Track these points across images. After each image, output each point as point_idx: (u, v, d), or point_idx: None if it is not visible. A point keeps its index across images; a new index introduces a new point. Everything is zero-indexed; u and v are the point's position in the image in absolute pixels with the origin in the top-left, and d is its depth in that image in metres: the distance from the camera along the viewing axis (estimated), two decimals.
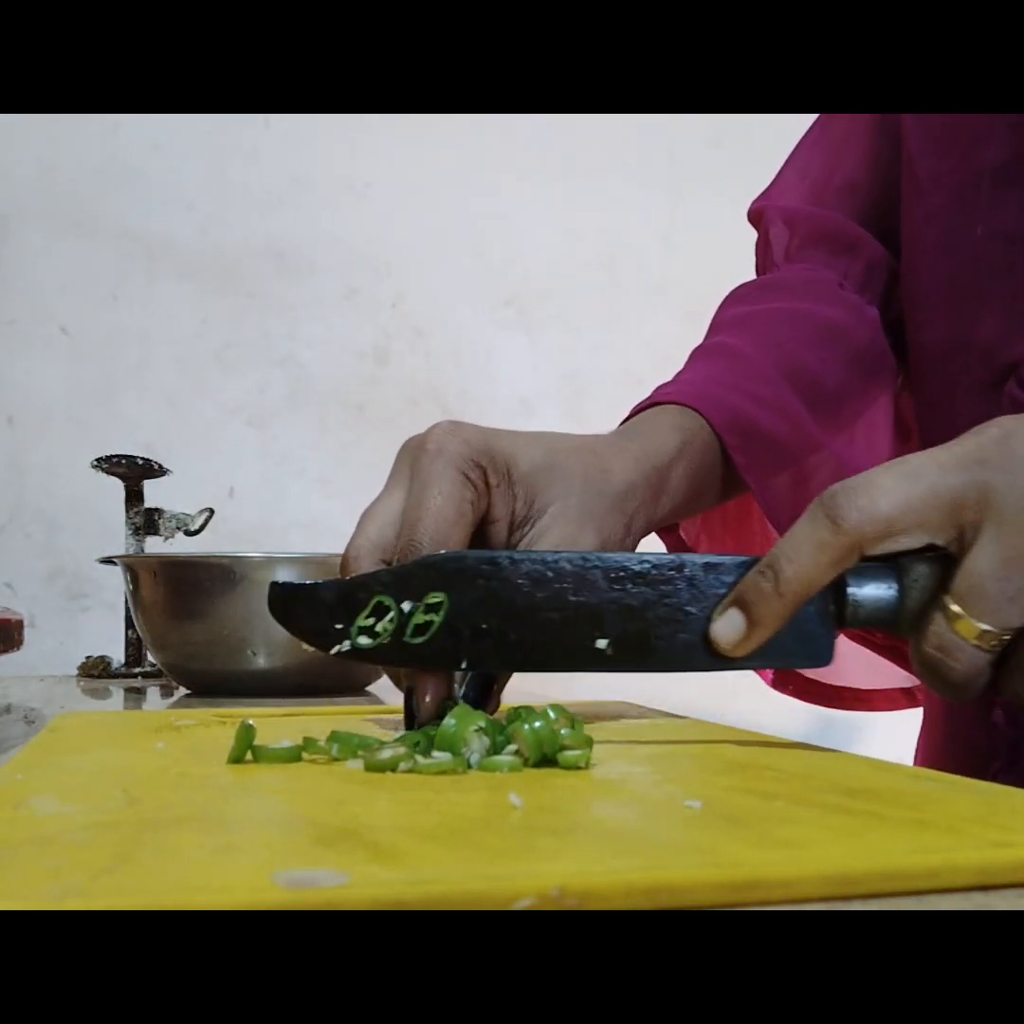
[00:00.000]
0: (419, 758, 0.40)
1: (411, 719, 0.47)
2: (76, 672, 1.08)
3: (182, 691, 0.90)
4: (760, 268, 0.78)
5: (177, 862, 0.27)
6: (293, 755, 0.43)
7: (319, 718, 0.58)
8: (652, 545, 0.65)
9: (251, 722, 0.42)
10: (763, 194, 0.79)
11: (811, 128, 0.79)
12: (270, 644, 0.82)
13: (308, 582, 0.47)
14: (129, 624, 1.06)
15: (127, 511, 1.04)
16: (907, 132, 0.69)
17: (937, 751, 0.70)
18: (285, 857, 0.28)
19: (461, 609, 0.46)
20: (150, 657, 1.00)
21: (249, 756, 0.42)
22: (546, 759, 0.41)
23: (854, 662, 0.73)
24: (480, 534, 0.52)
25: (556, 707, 0.43)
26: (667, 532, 0.68)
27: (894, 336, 0.72)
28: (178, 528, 1.04)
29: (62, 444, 1.52)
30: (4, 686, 0.96)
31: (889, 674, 0.74)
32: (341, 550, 0.51)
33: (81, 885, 0.25)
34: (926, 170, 0.67)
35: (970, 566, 0.43)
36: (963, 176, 0.65)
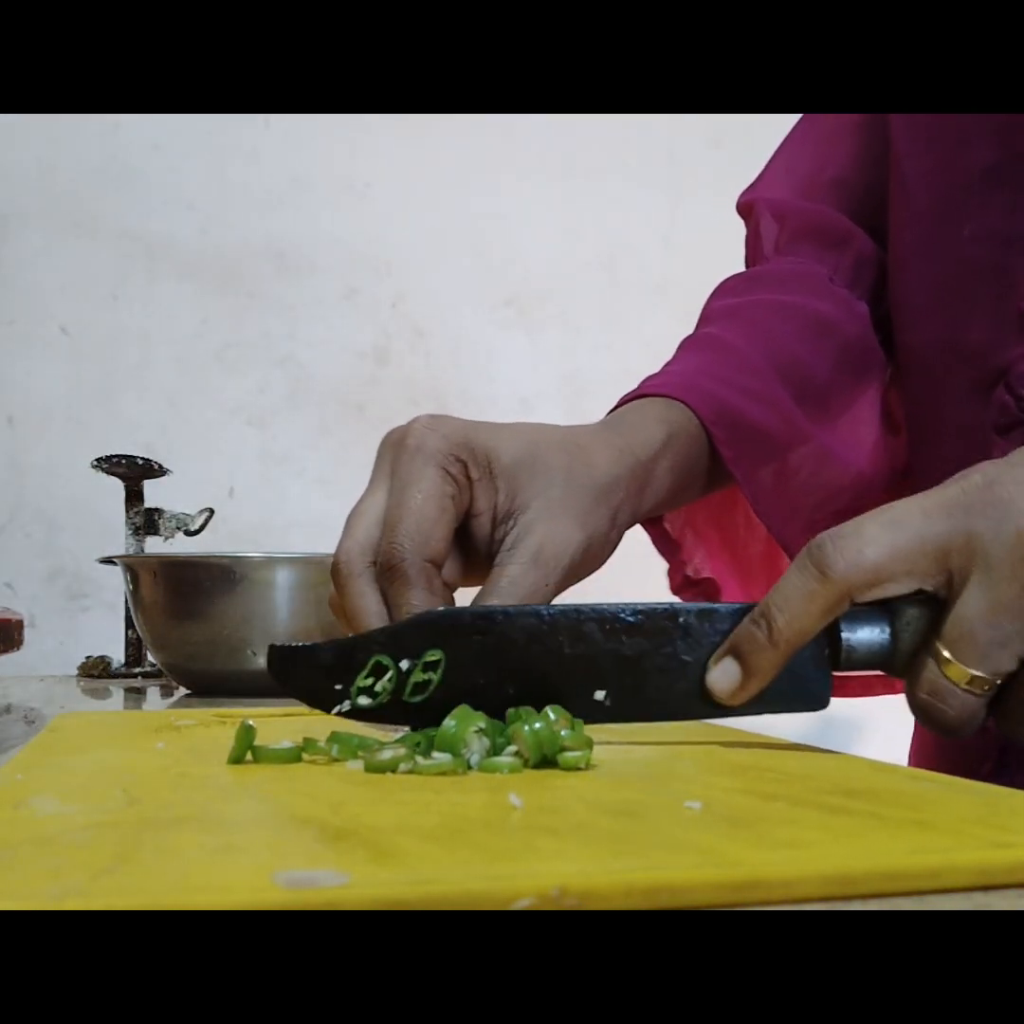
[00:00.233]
0: (419, 759, 0.40)
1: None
2: (76, 672, 1.08)
3: (182, 691, 0.90)
4: (750, 261, 0.78)
5: (177, 862, 0.27)
6: (293, 756, 0.43)
7: (319, 719, 0.58)
8: (639, 538, 0.65)
9: (251, 723, 0.42)
10: (751, 186, 0.78)
11: (799, 123, 0.78)
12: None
13: (306, 644, 0.47)
14: (129, 624, 1.06)
15: (127, 511, 1.04)
16: (895, 131, 0.69)
17: (928, 755, 0.70)
18: (285, 857, 0.28)
19: (458, 666, 0.46)
20: (150, 657, 1.00)
21: (249, 756, 0.42)
22: (546, 760, 0.41)
23: None
24: (464, 528, 0.52)
25: (556, 708, 0.43)
26: (652, 525, 0.67)
27: (883, 332, 0.72)
28: (178, 528, 1.04)
29: (62, 444, 1.52)
30: (4, 686, 0.96)
31: None
32: None
33: (81, 885, 0.25)
34: (913, 170, 0.67)
35: (960, 613, 0.43)
36: (949, 177, 0.65)
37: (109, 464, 1.04)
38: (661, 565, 0.71)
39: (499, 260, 1.74)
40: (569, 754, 0.41)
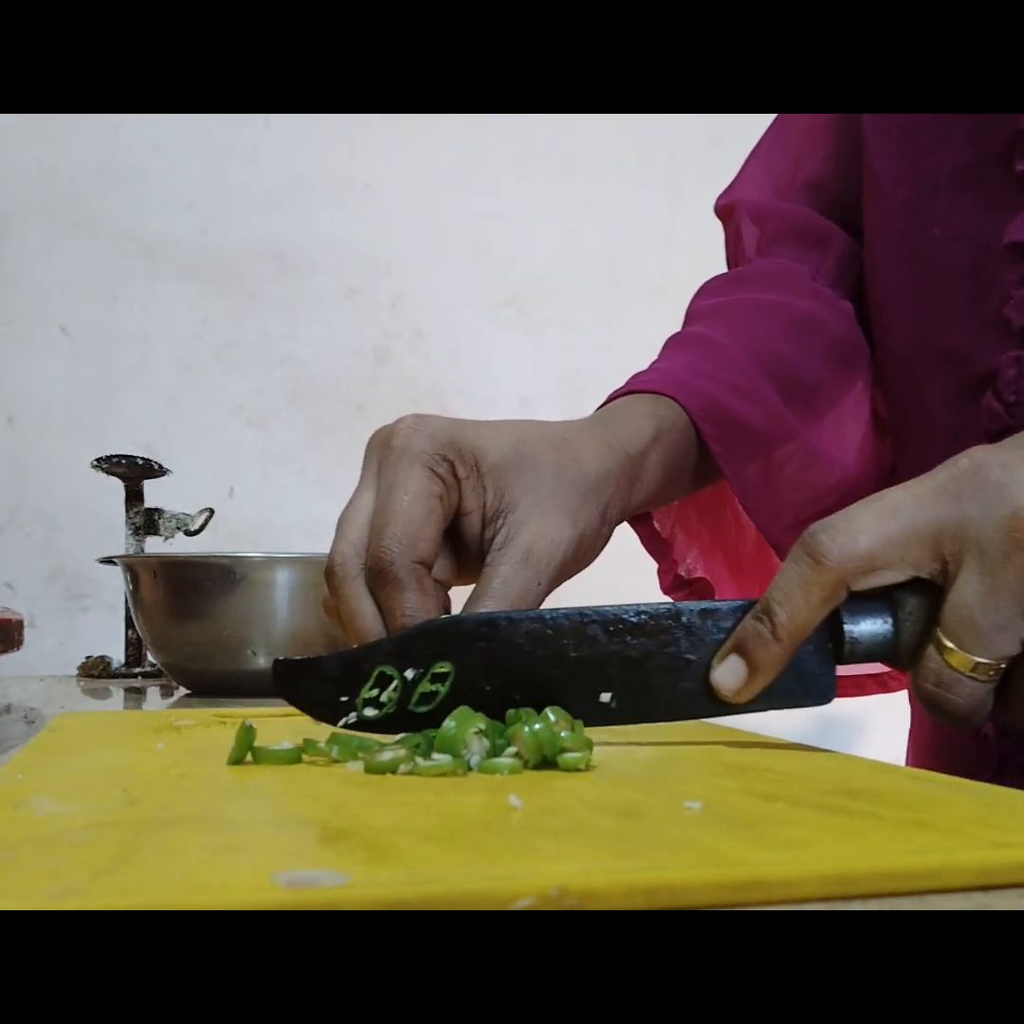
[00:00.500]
0: (419, 760, 0.40)
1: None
2: (76, 672, 1.08)
3: (182, 691, 0.90)
4: (731, 263, 0.78)
5: (177, 862, 0.27)
6: (293, 757, 0.43)
7: None
8: (628, 536, 0.64)
9: (251, 723, 0.42)
10: (728, 189, 0.79)
11: (772, 125, 0.78)
12: (270, 644, 0.82)
13: (311, 657, 0.47)
14: (129, 624, 1.06)
15: (127, 511, 1.04)
16: (867, 131, 0.69)
17: (926, 765, 0.70)
18: (285, 857, 0.28)
19: (463, 673, 0.46)
20: (150, 657, 1.00)
21: (249, 757, 0.42)
22: (546, 761, 0.41)
23: None
24: (455, 527, 0.52)
25: (556, 710, 0.43)
26: (641, 523, 0.67)
27: (867, 330, 0.72)
28: (178, 528, 1.04)
29: (62, 444, 1.52)
30: (4, 686, 0.96)
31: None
32: None
33: (81, 885, 0.25)
34: (885, 170, 0.67)
35: (956, 599, 0.43)
36: (921, 177, 0.64)
37: (109, 464, 1.04)
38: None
39: (499, 260, 1.74)
40: (569, 755, 0.41)
